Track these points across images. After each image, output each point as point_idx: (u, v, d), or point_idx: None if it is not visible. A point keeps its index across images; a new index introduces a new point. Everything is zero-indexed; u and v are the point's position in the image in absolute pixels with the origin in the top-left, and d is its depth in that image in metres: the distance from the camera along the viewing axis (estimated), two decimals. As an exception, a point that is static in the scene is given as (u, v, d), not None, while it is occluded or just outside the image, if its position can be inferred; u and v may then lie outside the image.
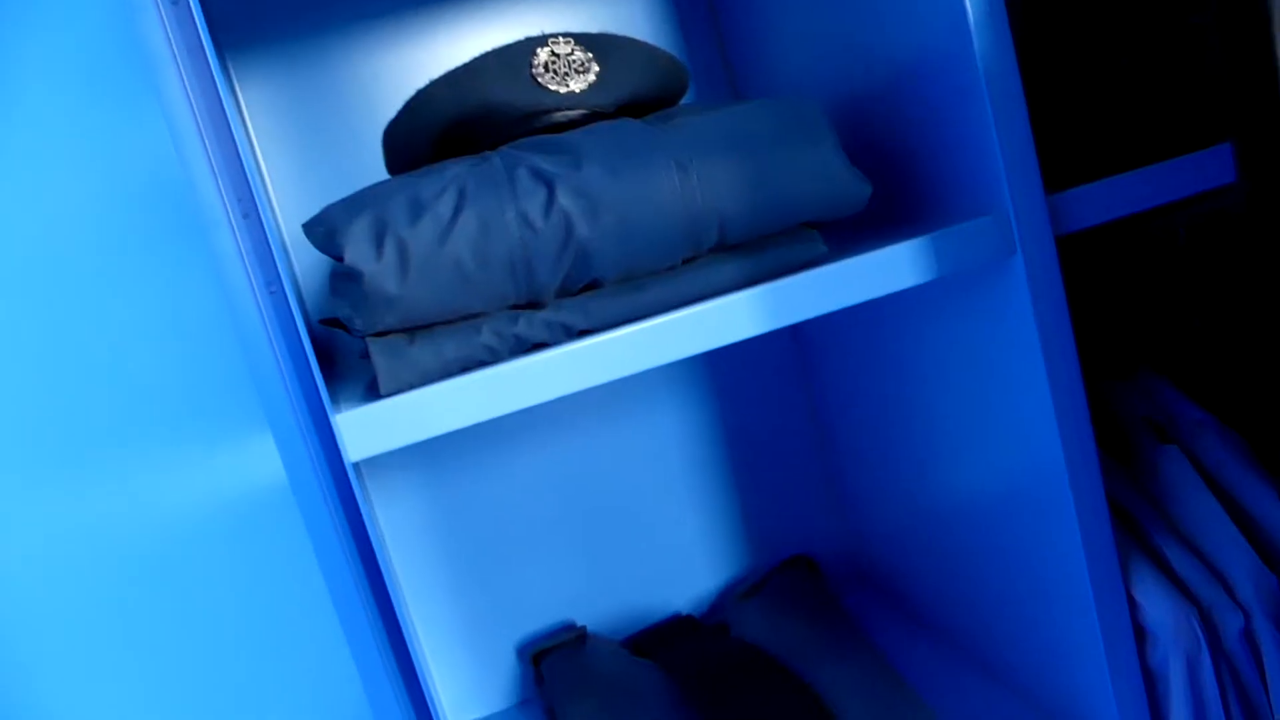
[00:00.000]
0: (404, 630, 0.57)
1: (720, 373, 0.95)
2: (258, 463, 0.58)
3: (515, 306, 0.53)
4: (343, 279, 0.50)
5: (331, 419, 0.49)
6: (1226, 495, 0.68)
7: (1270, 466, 0.69)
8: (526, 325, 0.52)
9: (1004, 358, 0.64)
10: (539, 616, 0.96)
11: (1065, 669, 0.69)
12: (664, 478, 0.95)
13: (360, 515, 0.52)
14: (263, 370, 0.46)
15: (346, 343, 0.84)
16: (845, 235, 0.77)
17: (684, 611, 0.98)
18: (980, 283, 0.63)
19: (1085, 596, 0.64)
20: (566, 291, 0.53)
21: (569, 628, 0.94)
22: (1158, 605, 0.62)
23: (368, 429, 0.50)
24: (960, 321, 0.67)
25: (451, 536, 0.92)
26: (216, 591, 0.64)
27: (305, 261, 0.83)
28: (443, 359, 0.51)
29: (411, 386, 0.51)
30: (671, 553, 0.97)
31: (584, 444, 0.93)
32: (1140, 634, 0.64)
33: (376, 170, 0.83)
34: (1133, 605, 0.64)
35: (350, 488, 0.51)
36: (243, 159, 0.42)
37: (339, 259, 0.49)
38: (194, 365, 0.59)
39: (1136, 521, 0.68)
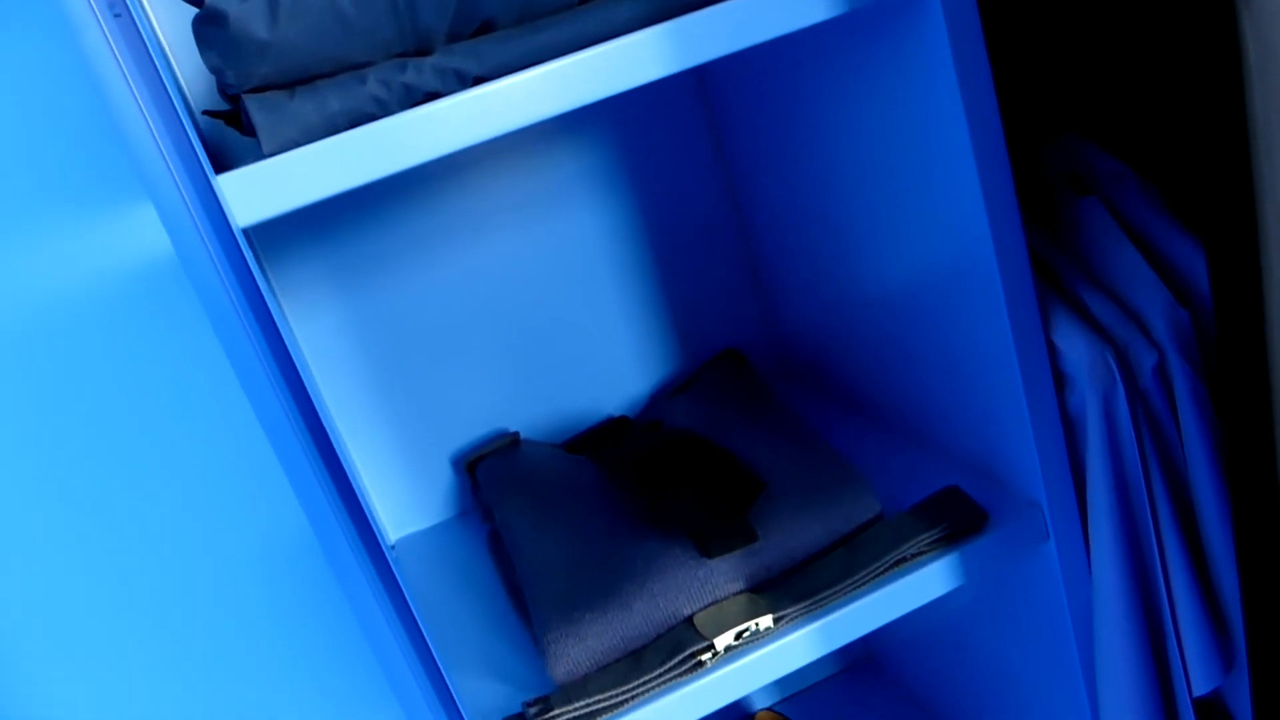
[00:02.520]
0: (323, 418, 0.55)
1: (637, 166, 0.92)
2: (140, 236, 0.54)
3: (402, 54, 0.49)
4: (207, 24, 0.45)
5: (212, 180, 0.46)
6: (1143, 242, 0.68)
7: (1185, 213, 0.69)
8: (415, 73, 0.48)
9: (923, 108, 0.62)
10: (472, 428, 0.95)
11: (988, 424, 0.70)
12: (587, 280, 0.94)
13: (260, 293, 0.49)
14: (126, 121, 0.42)
15: (236, 142, 0.79)
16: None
17: (617, 414, 0.98)
18: (896, 25, 0.60)
19: (1007, 350, 0.64)
20: (457, 35, 0.49)
21: (502, 435, 0.94)
22: (1075, 347, 0.62)
23: (253, 190, 0.47)
24: (877, 75, 0.65)
25: (375, 352, 0.90)
26: (110, 376, 0.59)
27: (191, 79, 0.77)
28: (327, 112, 0.47)
29: (295, 144, 0.47)
30: (601, 356, 0.96)
31: (502, 250, 0.90)
32: (1060, 382, 0.65)
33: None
34: (1052, 352, 0.64)
35: (242, 258, 0.48)
36: None
37: (199, 3, 0.45)
38: (48, 127, 0.53)
39: (1056, 272, 0.68)
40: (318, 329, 0.88)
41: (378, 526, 0.58)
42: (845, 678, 1.14)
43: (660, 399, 0.97)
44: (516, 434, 0.93)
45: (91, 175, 0.56)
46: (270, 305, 0.50)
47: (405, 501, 0.95)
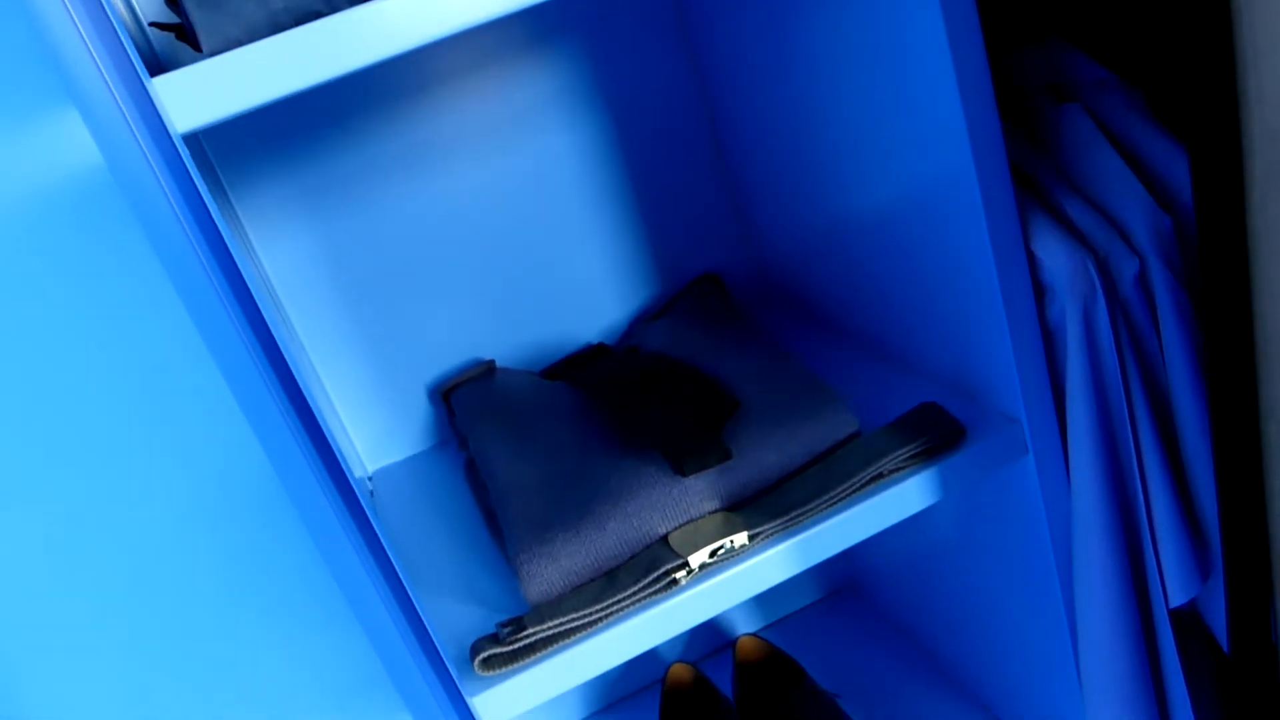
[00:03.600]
0: (277, 336, 0.53)
1: (612, 87, 0.89)
2: (63, 148, 0.50)
3: (348, -53, 0.46)
4: (135, -86, 0.43)
5: (146, 83, 0.44)
6: (1126, 149, 0.67)
7: (1170, 119, 0.67)
8: (362, -33, 0.46)
9: (901, 15, 0.59)
10: (449, 357, 0.93)
11: (968, 340, 0.69)
12: (563, 205, 0.91)
13: (204, 204, 0.47)
14: (50, 21, 0.40)
15: (191, 60, 0.76)
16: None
17: (595, 341, 0.96)
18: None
19: (986, 262, 0.63)
20: (405, -73, 0.47)
21: (478, 363, 0.93)
22: (1055, 256, 0.61)
23: (192, 93, 0.44)
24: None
25: (347, 280, 0.88)
26: (35, 306, 0.54)
27: None
28: (270, 9, 0.45)
29: (237, 43, 0.45)
30: (578, 283, 0.94)
31: (476, 173, 0.88)
32: (1040, 293, 0.64)
33: None
34: (1032, 262, 0.63)
35: (184, 167, 0.46)
36: None
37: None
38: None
39: (1037, 181, 0.66)
40: (286, 256, 0.86)
41: (337, 447, 0.57)
42: (828, 604, 1.14)
43: (638, 324, 0.95)
44: (492, 362, 0.91)
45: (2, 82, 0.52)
46: (217, 217, 0.48)
47: (382, 432, 0.94)
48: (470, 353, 0.94)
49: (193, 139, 0.76)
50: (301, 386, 0.54)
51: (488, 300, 0.92)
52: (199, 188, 0.47)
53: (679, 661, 0.98)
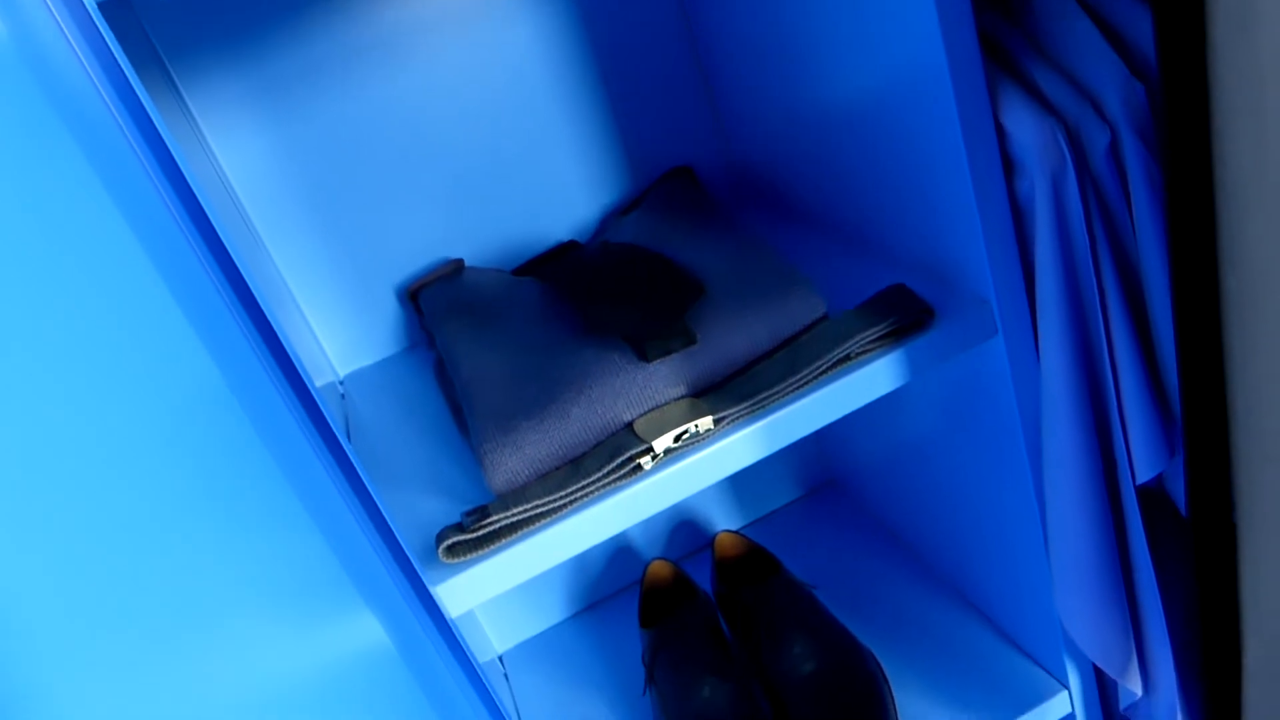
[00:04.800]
0: (213, 220, 0.52)
1: (575, -31, 0.86)
2: None
3: None
4: None
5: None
6: (1101, 17, 0.64)
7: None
8: None
9: None
10: (419, 259, 0.92)
11: (937, 222, 0.67)
12: (531, 99, 0.89)
13: (127, 80, 0.45)
14: None
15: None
16: None
17: (567, 239, 0.95)
18: None
19: (954, 137, 0.61)
20: None
21: (446, 263, 0.91)
22: (1024, 127, 0.59)
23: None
24: None
25: (310, 181, 0.86)
26: None
27: None
28: None
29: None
30: (549, 180, 0.92)
31: (440, 65, 0.85)
32: (1009, 169, 0.62)
33: None
34: (1001, 136, 0.61)
35: (101, 38, 0.43)
36: None
37: None
38: None
39: (1006, 50, 0.64)
40: (246, 156, 0.83)
41: (284, 336, 0.55)
42: (808, 501, 1.15)
43: (610, 220, 0.93)
44: (460, 260, 0.90)
45: None
46: (141, 94, 0.46)
47: (353, 336, 0.93)
48: (441, 253, 0.92)
49: (135, 26, 0.73)
50: (244, 273, 0.52)
51: (459, 200, 0.90)
52: (120, 61, 0.44)
53: (658, 559, 0.99)
